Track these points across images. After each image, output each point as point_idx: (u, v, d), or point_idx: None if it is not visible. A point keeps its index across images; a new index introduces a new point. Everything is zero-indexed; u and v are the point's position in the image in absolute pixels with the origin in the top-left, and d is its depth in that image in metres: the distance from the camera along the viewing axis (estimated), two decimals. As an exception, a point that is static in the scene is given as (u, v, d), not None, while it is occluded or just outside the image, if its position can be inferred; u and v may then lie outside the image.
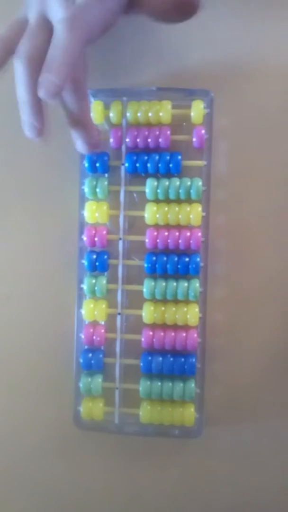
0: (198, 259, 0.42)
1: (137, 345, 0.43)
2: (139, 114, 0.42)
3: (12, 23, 0.37)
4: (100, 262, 0.42)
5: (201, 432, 0.43)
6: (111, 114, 0.42)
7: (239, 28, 0.43)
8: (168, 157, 0.42)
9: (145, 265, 0.42)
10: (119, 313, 0.43)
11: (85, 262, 0.43)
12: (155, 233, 0.42)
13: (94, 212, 0.43)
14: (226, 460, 0.44)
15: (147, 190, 0.42)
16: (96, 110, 0.42)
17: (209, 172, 0.42)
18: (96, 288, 0.43)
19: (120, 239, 0.43)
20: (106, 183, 0.42)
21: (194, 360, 0.42)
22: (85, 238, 0.43)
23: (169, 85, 0.43)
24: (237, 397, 0.44)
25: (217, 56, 0.44)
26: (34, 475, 0.46)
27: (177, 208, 0.42)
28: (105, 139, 0.43)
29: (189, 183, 0.41)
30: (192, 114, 0.42)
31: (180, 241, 0.42)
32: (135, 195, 0.44)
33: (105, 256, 0.43)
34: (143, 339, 0.42)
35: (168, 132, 0.42)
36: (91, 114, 0.41)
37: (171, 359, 0.42)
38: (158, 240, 0.42)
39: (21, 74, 0.35)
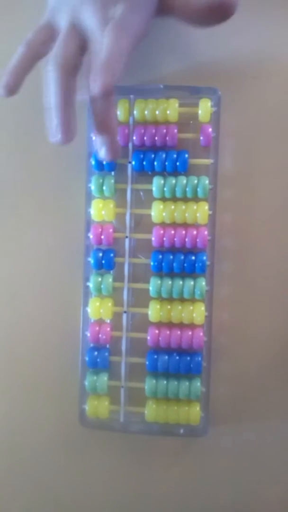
0: (204, 258, 0.42)
1: (143, 343, 0.43)
2: (146, 112, 0.42)
3: (38, 29, 0.38)
4: (106, 260, 0.42)
5: (207, 431, 0.43)
6: (118, 112, 0.42)
7: (247, 27, 0.43)
8: (175, 155, 0.42)
9: (151, 263, 0.42)
10: (125, 311, 0.43)
11: (91, 260, 0.43)
12: (162, 231, 0.42)
13: (100, 210, 0.43)
14: (232, 459, 0.44)
15: (153, 188, 0.42)
16: (103, 108, 0.42)
17: (216, 171, 0.42)
18: (102, 286, 0.43)
19: (127, 237, 0.43)
20: (112, 181, 0.42)
21: (200, 358, 0.42)
22: (91, 236, 0.43)
23: (176, 83, 0.43)
24: (243, 396, 0.44)
25: (225, 55, 0.44)
26: (39, 473, 0.46)
27: (183, 206, 0.42)
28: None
29: (196, 181, 0.41)
30: (199, 112, 0.41)
31: (186, 239, 0.42)
32: (141, 193, 0.44)
33: (111, 254, 0.43)
34: (149, 338, 0.42)
35: (175, 130, 0.42)
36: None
37: (177, 357, 0.42)
38: (164, 239, 0.42)
39: (54, 80, 0.35)
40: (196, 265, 0.41)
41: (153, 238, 0.42)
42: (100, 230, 0.43)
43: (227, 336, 0.44)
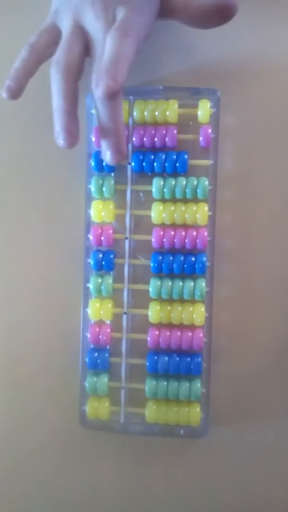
0: (204, 259, 0.42)
1: (143, 344, 0.43)
2: (145, 113, 0.42)
3: (41, 32, 0.38)
4: (106, 261, 0.42)
5: (207, 432, 0.43)
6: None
7: (246, 27, 0.43)
8: (174, 156, 0.42)
9: (151, 264, 0.42)
10: (125, 313, 0.43)
11: (91, 261, 0.43)
12: (161, 233, 0.42)
13: (100, 211, 0.43)
14: (232, 460, 0.44)
15: (153, 189, 0.42)
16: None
17: (215, 172, 0.42)
18: (102, 287, 0.43)
19: (126, 238, 0.43)
20: (112, 182, 0.42)
21: (200, 359, 0.42)
22: (91, 237, 0.43)
23: (175, 84, 0.43)
24: (243, 397, 0.44)
25: (224, 56, 0.44)
26: (39, 474, 0.46)
27: (183, 208, 0.42)
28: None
29: (195, 182, 0.41)
30: (199, 113, 0.41)
31: (186, 240, 0.42)
32: (141, 194, 0.44)
33: (111, 255, 0.43)
34: (149, 339, 0.42)
35: (175, 131, 0.42)
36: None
37: (177, 358, 0.42)
38: (164, 240, 0.42)
39: (58, 82, 0.36)
40: (196, 266, 0.41)
41: (153, 239, 0.42)
42: (100, 231, 0.43)
43: (227, 337, 0.44)
